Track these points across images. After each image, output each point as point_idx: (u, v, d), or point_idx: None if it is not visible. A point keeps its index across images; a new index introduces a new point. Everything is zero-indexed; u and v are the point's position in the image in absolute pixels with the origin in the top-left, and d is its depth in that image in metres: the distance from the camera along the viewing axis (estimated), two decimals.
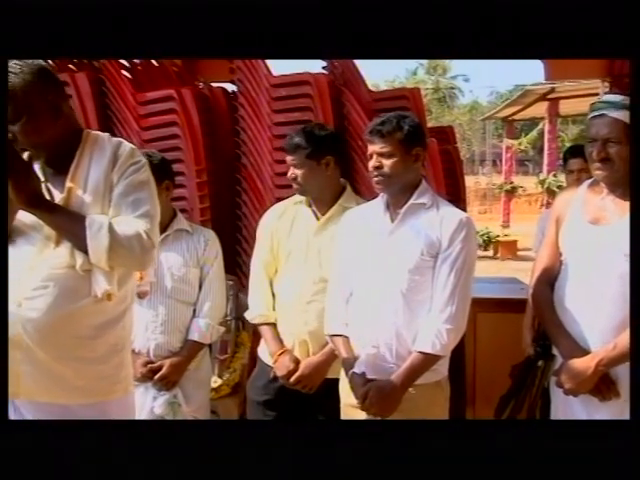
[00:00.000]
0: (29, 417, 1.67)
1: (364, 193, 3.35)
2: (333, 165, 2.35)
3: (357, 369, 1.98)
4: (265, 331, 2.39)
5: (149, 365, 2.45)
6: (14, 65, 1.63)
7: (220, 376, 2.99)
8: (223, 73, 4.24)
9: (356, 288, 2.07)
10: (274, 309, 2.41)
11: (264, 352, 2.44)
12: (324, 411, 2.30)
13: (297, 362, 2.30)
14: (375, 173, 1.99)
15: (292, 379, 2.28)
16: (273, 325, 2.38)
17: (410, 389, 1.94)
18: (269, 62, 3.56)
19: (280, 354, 2.31)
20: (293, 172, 2.33)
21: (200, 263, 2.56)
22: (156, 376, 2.44)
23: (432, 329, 1.92)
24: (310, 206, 2.40)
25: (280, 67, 3.87)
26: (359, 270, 2.06)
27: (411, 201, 2.01)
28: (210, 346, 2.70)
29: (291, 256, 2.37)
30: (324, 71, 3.72)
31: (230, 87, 3.82)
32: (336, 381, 2.26)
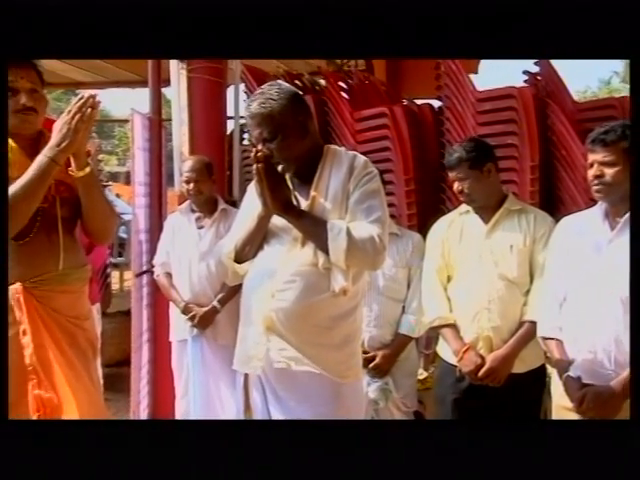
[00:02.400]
0: (277, 389, 1.79)
1: (567, 201, 3.19)
2: (494, 171, 2.34)
3: (572, 373, 1.87)
4: (446, 332, 2.34)
5: (363, 355, 2.53)
6: (272, 92, 1.77)
7: (426, 369, 3.01)
8: (428, 90, 4.26)
9: (571, 293, 1.96)
10: (451, 311, 2.36)
11: (445, 352, 2.40)
12: (512, 409, 2.23)
13: (482, 357, 2.24)
14: (596, 182, 1.87)
15: (480, 373, 2.21)
16: (452, 326, 2.33)
17: None
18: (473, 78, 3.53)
19: (465, 351, 2.26)
20: (459, 185, 2.31)
21: (408, 264, 2.60)
22: (370, 365, 2.51)
23: None
24: (476, 214, 2.36)
25: (484, 82, 3.80)
26: (575, 277, 1.94)
27: None
28: (417, 340, 2.73)
29: (464, 260, 2.34)
30: (527, 84, 3.58)
31: (433, 103, 3.84)
32: (521, 376, 2.22)
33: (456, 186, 2.33)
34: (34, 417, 1.68)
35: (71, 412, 1.68)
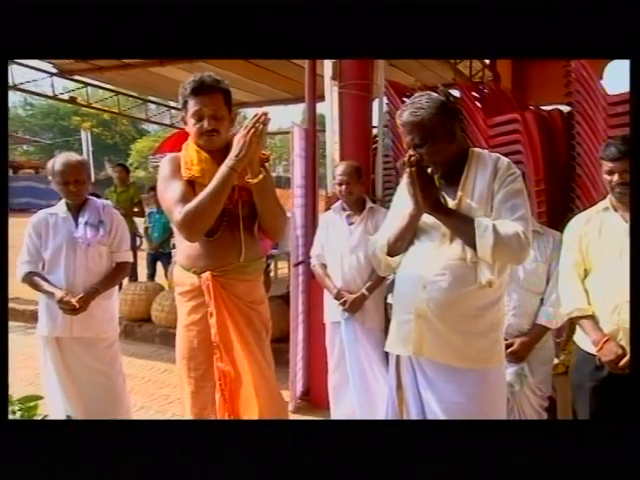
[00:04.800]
0: (427, 371, 1.75)
1: None
2: None
3: None
4: (585, 323, 2.14)
5: None
6: (423, 101, 1.72)
7: (557, 356, 2.81)
8: (554, 97, 3.98)
9: None
10: (589, 303, 2.15)
11: (583, 341, 2.20)
12: None
13: (622, 348, 2.02)
14: None
15: (622, 363, 2.00)
16: (591, 317, 2.13)
17: None
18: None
19: (605, 341, 2.06)
20: (622, 178, 2.04)
21: (548, 260, 2.42)
22: (507, 350, 2.38)
23: None
24: (616, 211, 2.12)
25: (614, 86, 3.49)
26: None
27: None
28: None
29: (603, 256, 2.12)
30: None
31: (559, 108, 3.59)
32: None
33: (617, 178, 2.08)
34: (217, 384, 1.75)
35: (247, 384, 1.73)
